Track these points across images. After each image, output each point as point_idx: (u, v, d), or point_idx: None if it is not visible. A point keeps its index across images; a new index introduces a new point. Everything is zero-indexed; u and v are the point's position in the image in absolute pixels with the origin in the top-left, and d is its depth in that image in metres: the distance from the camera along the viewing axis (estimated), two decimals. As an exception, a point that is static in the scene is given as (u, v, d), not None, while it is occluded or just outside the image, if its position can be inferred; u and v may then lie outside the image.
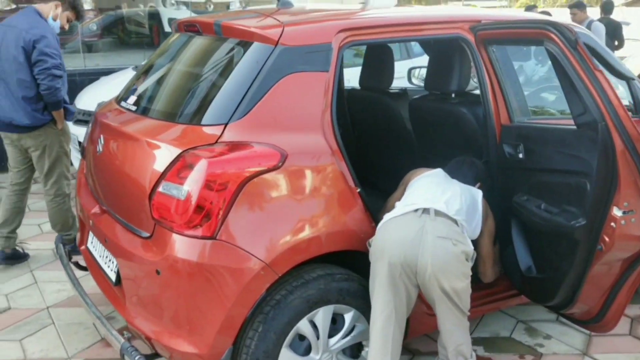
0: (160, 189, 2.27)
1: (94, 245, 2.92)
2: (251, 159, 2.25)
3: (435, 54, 3.20)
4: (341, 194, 2.40)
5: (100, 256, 2.80)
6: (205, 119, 2.38)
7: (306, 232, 2.30)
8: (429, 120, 3.34)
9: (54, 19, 3.94)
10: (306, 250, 2.31)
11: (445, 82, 3.07)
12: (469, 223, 2.44)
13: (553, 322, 3.31)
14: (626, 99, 3.24)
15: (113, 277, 2.60)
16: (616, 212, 2.25)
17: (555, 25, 2.34)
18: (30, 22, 3.80)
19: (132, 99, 2.81)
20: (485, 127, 2.83)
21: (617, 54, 8.95)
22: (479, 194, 2.58)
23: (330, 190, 2.38)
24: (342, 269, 2.46)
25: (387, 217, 2.40)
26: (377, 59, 3.63)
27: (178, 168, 2.25)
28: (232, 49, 2.63)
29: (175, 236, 2.21)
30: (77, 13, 4.09)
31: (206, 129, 2.35)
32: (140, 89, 2.89)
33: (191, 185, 2.18)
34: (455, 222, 2.36)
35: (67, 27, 4.12)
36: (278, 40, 2.41)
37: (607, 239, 2.30)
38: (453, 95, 3.12)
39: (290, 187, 2.29)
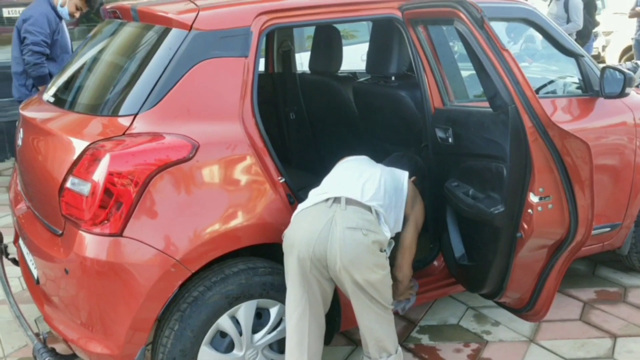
0: (67, 184, 2.18)
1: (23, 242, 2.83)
2: (159, 150, 2.15)
3: (373, 35, 3.09)
4: (259, 185, 2.30)
5: (26, 253, 2.72)
6: (120, 110, 2.29)
7: (219, 227, 2.20)
8: (371, 104, 3.24)
9: (62, 5, 4.39)
10: (221, 246, 2.22)
11: (383, 65, 2.97)
12: (389, 208, 2.30)
13: (503, 309, 3.23)
14: (576, 76, 3.14)
15: (35, 275, 2.52)
16: (532, 198, 2.15)
17: (462, 3, 2.21)
18: (31, 5, 4.37)
19: (52, 90, 2.71)
20: (422, 111, 2.72)
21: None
22: (404, 175, 2.43)
23: (246, 182, 2.28)
24: (266, 262, 2.38)
25: (299, 207, 2.28)
26: (325, 42, 3.53)
27: (85, 162, 2.15)
28: (151, 35, 2.51)
29: (81, 233, 2.12)
30: (87, 2, 4.47)
31: (119, 120, 2.25)
32: (61, 80, 2.78)
33: (95, 180, 2.09)
34: (370, 209, 2.23)
35: (77, 14, 4.57)
36: (192, 25, 2.31)
37: (525, 226, 2.20)
38: (393, 78, 3.01)
39: (202, 179, 2.20)
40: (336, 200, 2.22)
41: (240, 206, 2.25)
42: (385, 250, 2.21)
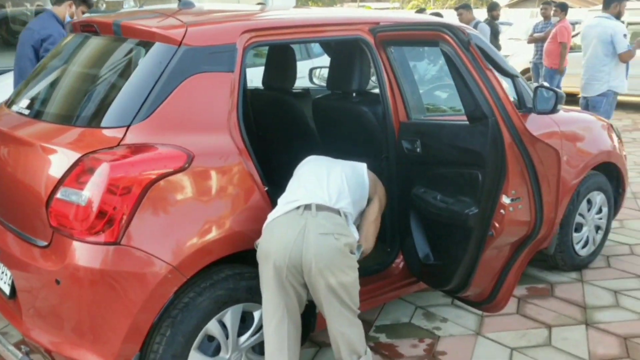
0: (58, 195, 2.18)
1: (-16, 256, 2.74)
2: (156, 161, 2.22)
3: (336, 54, 3.29)
4: (249, 193, 2.42)
5: (-10, 268, 2.63)
6: (105, 122, 2.32)
7: (215, 233, 2.30)
8: (331, 118, 3.43)
9: (71, 17, 4.53)
10: (215, 251, 2.32)
11: (346, 82, 3.16)
12: (354, 204, 2.45)
13: (448, 306, 3.53)
14: (512, 95, 3.51)
15: (7, 290, 2.46)
16: (505, 199, 2.44)
17: (450, 27, 2.49)
18: (43, 23, 4.52)
19: (25, 102, 2.67)
20: (384, 125, 2.95)
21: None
22: (363, 167, 2.61)
23: (238, 190, 2.39)
24: (250, 268, 2.47)
25: (270, 216, 2.37)
26: (280, 59, 3.68)
27: (77, 173, 2.17)
28: (132, 49, 2.56)
29: (75, 243, 2.14)
30: (87, 2, 4.72)
31: (106, 132, 2.29)
32: (34, 92, 2.74)
33: (92, 190, 2.12)
34: (339, 212, 2.36)
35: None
36: (181, 41, 2.38)
37: (497, 225, 2.48)
38: (354, 94, 3.22)
39: (198, 188, 2.29)
40: (307, 207, 2.34)
41: (233, 213, 2.36)
42: (354, 253, 2.35)
